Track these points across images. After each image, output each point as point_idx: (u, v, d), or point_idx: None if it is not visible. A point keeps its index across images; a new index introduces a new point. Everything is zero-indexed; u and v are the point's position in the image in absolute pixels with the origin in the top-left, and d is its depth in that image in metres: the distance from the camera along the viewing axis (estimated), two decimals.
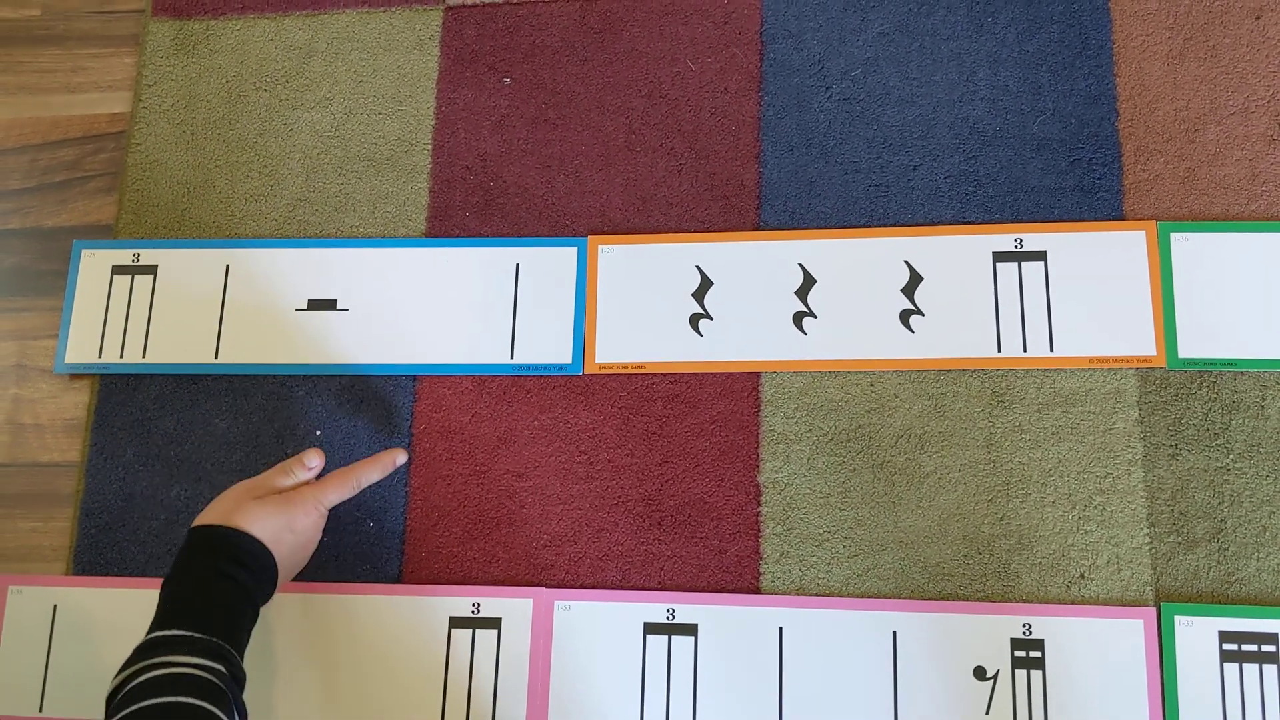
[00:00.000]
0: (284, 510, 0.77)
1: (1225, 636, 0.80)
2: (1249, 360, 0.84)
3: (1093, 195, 0.89)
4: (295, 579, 0.85)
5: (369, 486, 0.84)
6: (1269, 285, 0.85)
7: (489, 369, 0.91)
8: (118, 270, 0.96)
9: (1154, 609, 0.81)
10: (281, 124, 0.99)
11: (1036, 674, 0.81)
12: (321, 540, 0.83)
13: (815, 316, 0.89)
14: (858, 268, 0.90)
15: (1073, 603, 0.82)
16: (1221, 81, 0.90)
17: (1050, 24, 0.92)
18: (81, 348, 0.94)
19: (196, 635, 0.69)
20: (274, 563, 0.76)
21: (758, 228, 0.92)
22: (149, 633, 0.70)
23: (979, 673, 0.81)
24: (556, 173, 0.95)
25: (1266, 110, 0.89)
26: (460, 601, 0.86)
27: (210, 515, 0.77)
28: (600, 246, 0.92)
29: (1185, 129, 0.89)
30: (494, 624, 0.85)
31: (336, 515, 0.89)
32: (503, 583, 0.87)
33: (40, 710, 0.87)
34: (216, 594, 0.72)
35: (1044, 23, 0.92)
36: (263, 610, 0.78)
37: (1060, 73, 0.91)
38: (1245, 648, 0.80)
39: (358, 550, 0.88)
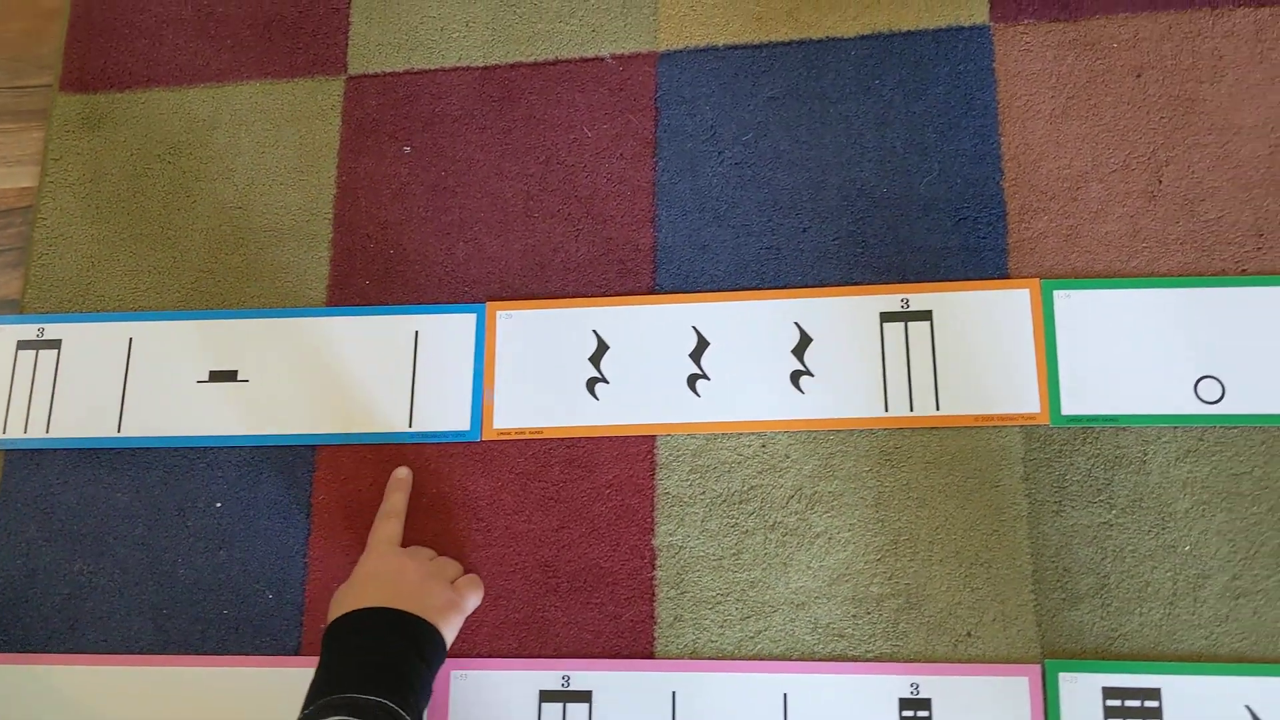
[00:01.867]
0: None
1: (1109, 692, 0.81)
2: (1131, 415, 0.85)
3: (978, 254, 0.90)
4: (186, 653, 0.87)
5: None
6: (1149, 340, 0.87)
7: (387, 437, 0.91)
8: (22, 345, 0.97)
9: (1039, 666, 0.82)
10: (185, 196, 1.00)
11: None
12: (223, 614, 0.87)
13: (708, 378, 0.90)
14: (749, 329, 0.91)
15: (960, 661, 0.83)
16: (1103, 139, 0.92)
17: (936, 85, 0.94)
18: None
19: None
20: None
21: (653, 291, 0.93)
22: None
23: None
24: (456, 239, 0.96)
25: (1147, 166, 0.91)
26: None
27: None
28: (499, 313, 0.94)
29: (1068, 187, 0.91)
30: None
31: (235, 586, 0.90)
32: None
33: None
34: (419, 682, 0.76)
35: (930, 84, 0.94)
36: (156, 681, 0.81)
37: (946, 133, 0.93)
38: (1129, 703, 0.80)
39: (256, 622, 0.89)
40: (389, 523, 0.86)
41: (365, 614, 0.77)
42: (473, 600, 0.86)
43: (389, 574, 0.81)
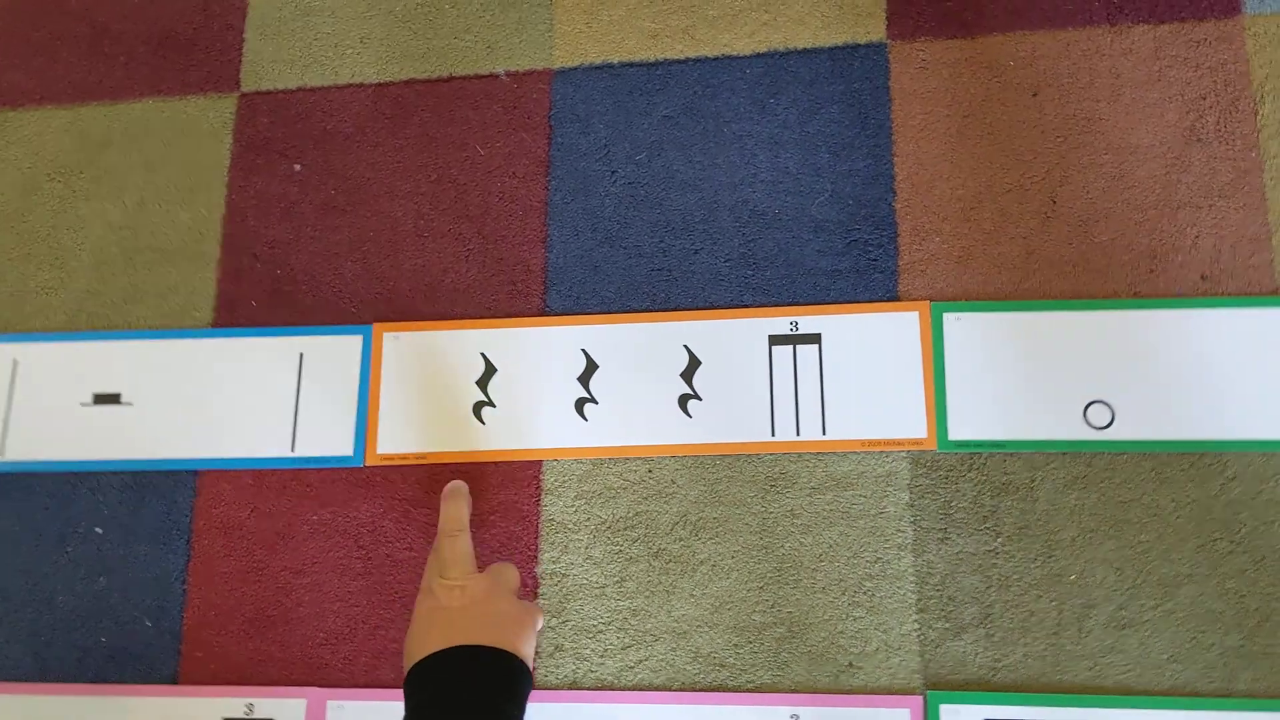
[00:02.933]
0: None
1: None
2: (1018, 441, 0.84)
3: (869, 276, 0.89)
4: (64, 681, 0.86)
5: None
6: (1039, 364, 0.85)
7: (268, 462, 0.90)
8: None
9: (920, 697, 0.80)
10: (74, 215, 0.98)
11: None
12: (101, 641, 0.87)
13: (596, 402, 0.89)
14: (639, 352, 0.89)
15: (841, 691, 0.81)
16: (998, 160, 0.90)
17: (830, 104, 0.93)
18: None
19: None
20: None
21: (543, 313, 0.92)
22: None
23: None
24: (345, 259, 0.95)
25: (1041, 188, 0.89)
26: (234, 702, 0.85)
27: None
28: (385, 334, 0.92)
29: (962, 208, 0.90)
30: None
31: (114, 614, 0.89)
32: (278, 683, 0.86)
33: None
34: None
35: (824, 103, 0.93)
36: (33, 711, 0.84)
37: (840, 153, 0.92)
38: None
39: (133, 650, 0.87)
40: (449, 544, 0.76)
41: (445, 657, 0.68)
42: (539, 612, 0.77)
43: (456, 607, 0.72)
